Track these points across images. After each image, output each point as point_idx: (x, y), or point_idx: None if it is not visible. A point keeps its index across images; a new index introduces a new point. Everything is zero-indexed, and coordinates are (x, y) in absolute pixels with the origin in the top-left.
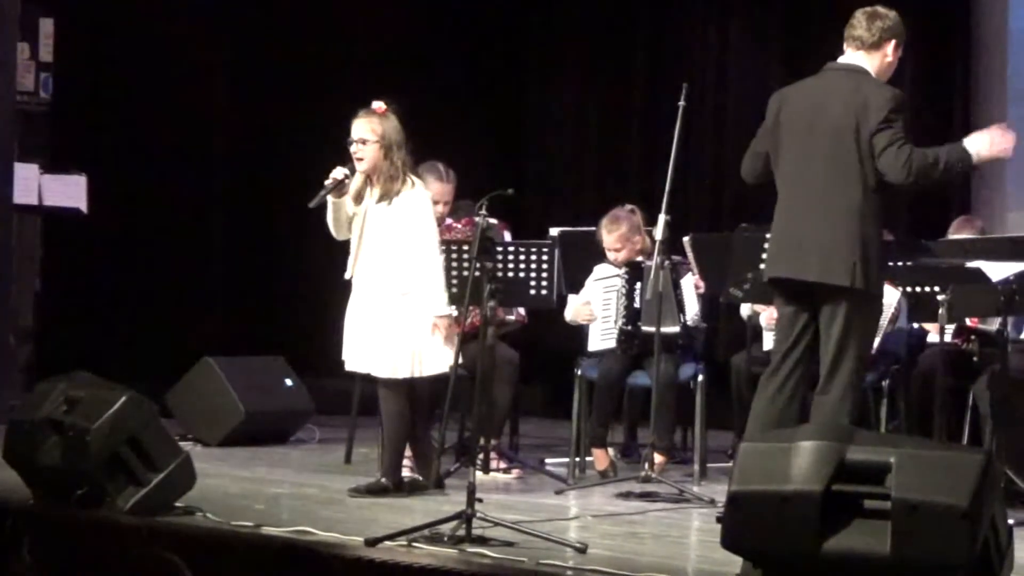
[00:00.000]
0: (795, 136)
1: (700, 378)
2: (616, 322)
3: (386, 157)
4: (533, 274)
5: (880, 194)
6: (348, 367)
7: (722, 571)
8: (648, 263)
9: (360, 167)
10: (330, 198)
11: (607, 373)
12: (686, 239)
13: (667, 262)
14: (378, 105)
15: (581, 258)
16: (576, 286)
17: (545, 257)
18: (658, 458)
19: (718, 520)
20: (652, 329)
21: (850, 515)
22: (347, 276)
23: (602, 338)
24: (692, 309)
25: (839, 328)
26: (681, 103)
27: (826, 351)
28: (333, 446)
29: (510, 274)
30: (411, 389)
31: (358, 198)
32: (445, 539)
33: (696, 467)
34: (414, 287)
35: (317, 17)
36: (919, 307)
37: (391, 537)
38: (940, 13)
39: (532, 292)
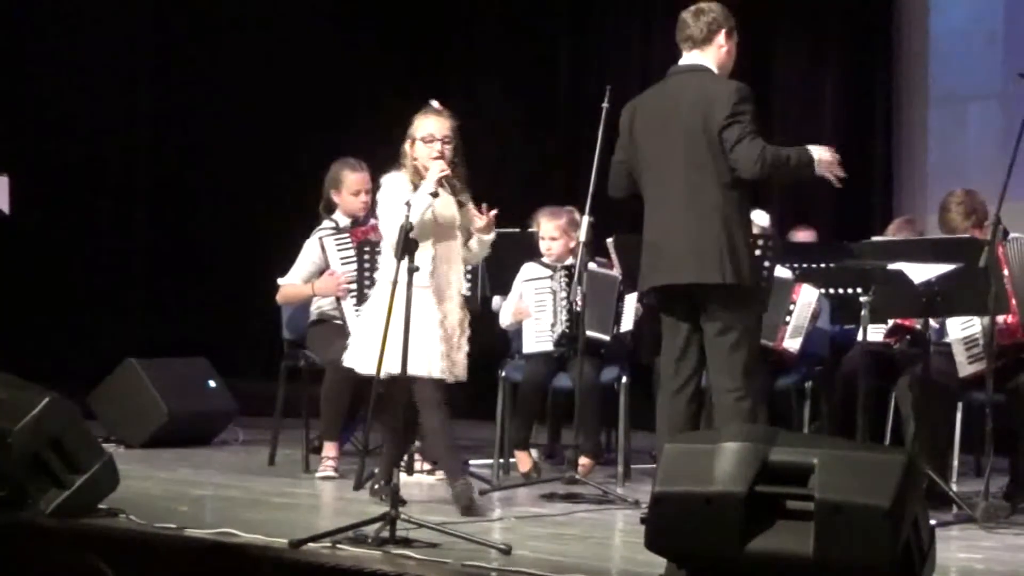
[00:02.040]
0: (649, 144)
1: (624, 380)
2: (554, 325)
3: (459, 159)
4: None
5: (740, 188)
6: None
7: (646, 572)
8: (591, 265)
9: (440, 166)
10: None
11: (531, 375)
12: (609, 240)
13: (619, 274)
14: (436, 103)
15: (505, 259)
16: (500, 287)
17: None
18: (583, 460)
19: (642, 521)
20: (590, 333)
21: (773, 516)
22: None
23: (537, 340)
24: (628, 324)
25: (722, 327)
26: (605, 105)
27: (715, 352)
28: (257, 448)
29: None
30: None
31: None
32: (369, 541)
33: (620, 468)
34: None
35: (237, 17)
36: (842, 309)
37: (315, 539)
38: (862, 18)
39: None
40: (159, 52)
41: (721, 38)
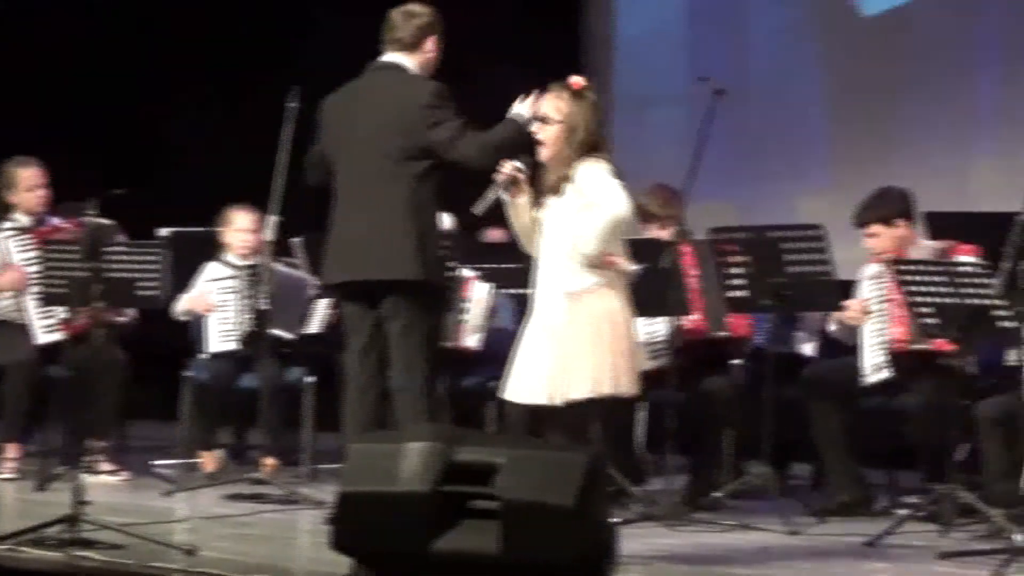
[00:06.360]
0: (343, 138)
1: (308, 380)
2: (239, 323)
3: (567, 142)
4: (142, 274)
5: (430, 185)
6: (519, 398)
7: (331, 571)
8: (276, 265)
9: (540, 153)
10: (505, 198)
11: (216, 375)
12: (296, 240)
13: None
14: (575, 80)
15: (194, 259)
16: (183, 288)
17: (154, 257)
18: (268, 460)
19: (328, 521)
20: (276, 332)
21: (459, 515)
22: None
23: (221, 339)
24: (315, 325)
25: (403, 323)
26: (292, 104)
27: (397, 348)
28: None
29: (118, 275)
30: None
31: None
32: (51, 543)
33: (305, 468)
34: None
35: None
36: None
37: None
38: (548, 18)
39: (141, 293)
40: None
41: (430, 44)
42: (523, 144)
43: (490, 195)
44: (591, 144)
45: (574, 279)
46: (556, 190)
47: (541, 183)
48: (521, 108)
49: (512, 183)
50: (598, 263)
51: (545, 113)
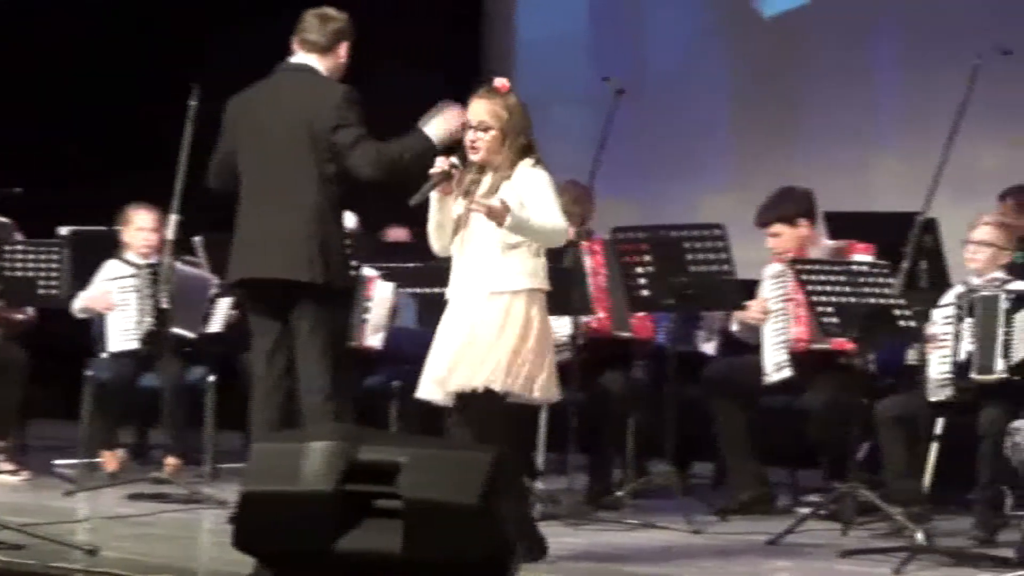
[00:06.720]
0: (251, 139)
1: (210, 379)
2: (140, 322)
3: (503, 145)
4: (42, 273)
5: (337, 186)
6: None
7: (234, 571)
8: (177, 264)
9: (474, 157)
10: (434, 195)
11: (117, 374)
12: (197, 239)
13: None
14: (501, 82)
15: (94, 257)
16: (89, 285)
17: (54, 256)
18: (170, 460)
19: (230, 521)
20: (177, 331)
21: (362, 514)
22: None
23: (123, 338)
24: (217, 324)
25: (310, 325)
26: (192, 102)
27: (303, 351)
28: None
29: (18, 273)
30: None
31: (465, 195)
32: None
33: (208, 468)
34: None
35: None
36: (429, 309)
37: None
38: (451, 21)
39: (41, 291)
40: None
41: (343, 49)
42: (422, 164)
43: (426, 188)
44: (528, 146)
45: (498, 280)
46: (494, 190)
47: (468, 184)
48: (434, 126)
49: (445, 178)
50: (517, 236)
51: (481, 120)
